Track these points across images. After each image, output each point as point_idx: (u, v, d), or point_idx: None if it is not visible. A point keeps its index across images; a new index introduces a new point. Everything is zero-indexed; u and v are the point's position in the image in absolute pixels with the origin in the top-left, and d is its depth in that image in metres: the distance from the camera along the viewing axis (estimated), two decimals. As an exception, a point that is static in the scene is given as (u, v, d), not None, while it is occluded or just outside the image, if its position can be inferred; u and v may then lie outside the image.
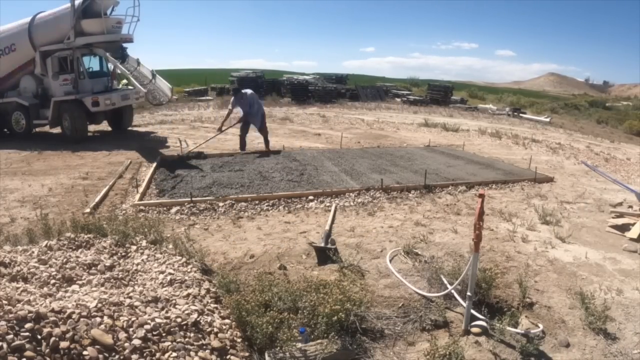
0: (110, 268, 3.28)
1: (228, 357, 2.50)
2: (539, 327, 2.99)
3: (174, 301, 2.80)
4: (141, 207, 5.33)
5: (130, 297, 2.73)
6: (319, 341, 2.64)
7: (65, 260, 3.23)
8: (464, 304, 3.01)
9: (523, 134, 13.48)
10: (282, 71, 49.20)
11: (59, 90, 10.31)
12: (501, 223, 5.02)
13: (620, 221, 5.07)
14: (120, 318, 2.45)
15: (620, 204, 5.85)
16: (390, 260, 3.86)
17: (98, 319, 2.36)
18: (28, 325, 2.16)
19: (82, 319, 2.32)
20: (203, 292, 3.07)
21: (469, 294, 2.87)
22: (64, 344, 2.15)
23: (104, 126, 12.48)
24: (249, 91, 8.72)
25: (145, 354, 2.29)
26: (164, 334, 2.44)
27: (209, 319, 2.72)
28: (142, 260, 3.48)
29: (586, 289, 3.42)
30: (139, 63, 11.08)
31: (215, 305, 2.97)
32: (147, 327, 2.43)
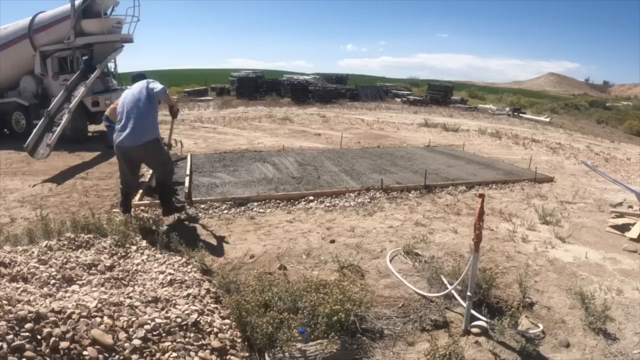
0: (110, 268, 3.28)
1: (228, 357, 2.50)
2: (539, 327, 2.99)
3: (174, 301, 2.80)
4: (141, 207, 5.33)
5: (130, 297, 2.73)
6: (319, 341, 2.64)
7: (65, 260, 3.23)
8: (464, 304, 3.01)
9: (523, 134, 13.48)
10: (280, 71, 49.20)
11: (58, 90, 10.31)
12: (501, 223, 5.02)
13: (620, 221, 5.07)
14: (120, 318, 2.44)
15: (620, 204, 5.85)
16: (390, 261, 3.86)
17: (98, 319, 2.35)
18: (28, 326, 2.16)
19: (82, 319, 2.31)
20: (203, 292, 3.07)
21: (469, 294, 2.87)
22: (64, 344, 2.15)
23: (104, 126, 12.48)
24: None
25: (145, 354, 2.28)
26: (164, 334, 2.44)
27: (209, 319, 2.71)
28: (142, 260, 3.48)
29: (586, 289, 3.42)
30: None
31: (215, 306, 2.97)
32: (147, 327, 2.43)
